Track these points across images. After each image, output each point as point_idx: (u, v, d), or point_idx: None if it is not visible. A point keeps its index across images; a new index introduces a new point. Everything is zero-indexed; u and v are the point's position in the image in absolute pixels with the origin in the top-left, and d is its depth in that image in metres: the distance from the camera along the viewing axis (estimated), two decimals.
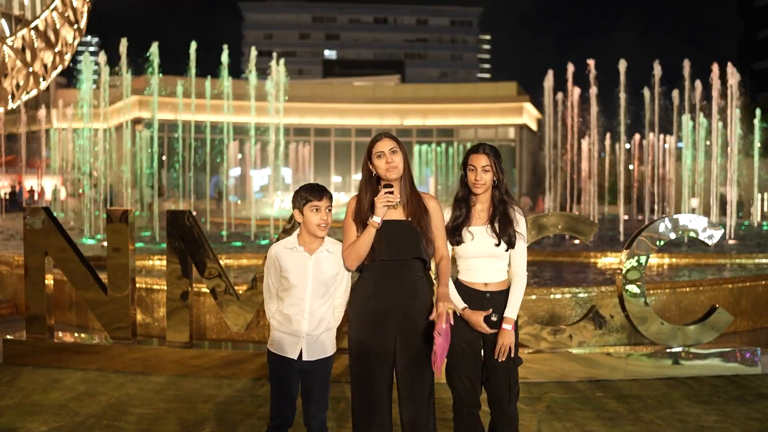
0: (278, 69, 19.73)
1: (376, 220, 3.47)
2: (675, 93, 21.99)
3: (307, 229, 3.59)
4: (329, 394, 3.72)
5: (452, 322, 3.48)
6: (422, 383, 3.56)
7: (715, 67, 18.31)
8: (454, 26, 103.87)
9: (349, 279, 3.74)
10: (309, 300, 3.59)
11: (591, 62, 19.67)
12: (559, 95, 23.26)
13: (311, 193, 3.56)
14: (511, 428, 3.73)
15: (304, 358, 3.61)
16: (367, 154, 3.58)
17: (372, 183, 3.58)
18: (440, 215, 3.67)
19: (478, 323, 3.61)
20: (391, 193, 3.46)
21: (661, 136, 25.90)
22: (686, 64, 18.90)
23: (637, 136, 31.96)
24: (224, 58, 19.74)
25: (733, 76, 18.54)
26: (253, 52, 19.73)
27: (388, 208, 3.49)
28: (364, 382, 3.56)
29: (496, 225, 3.69)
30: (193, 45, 19.08)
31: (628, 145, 33.21)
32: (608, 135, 30.49)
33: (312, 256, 3.61)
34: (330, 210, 3.60)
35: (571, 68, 20.78)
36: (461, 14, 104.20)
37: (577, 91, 22.15)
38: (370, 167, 3.58)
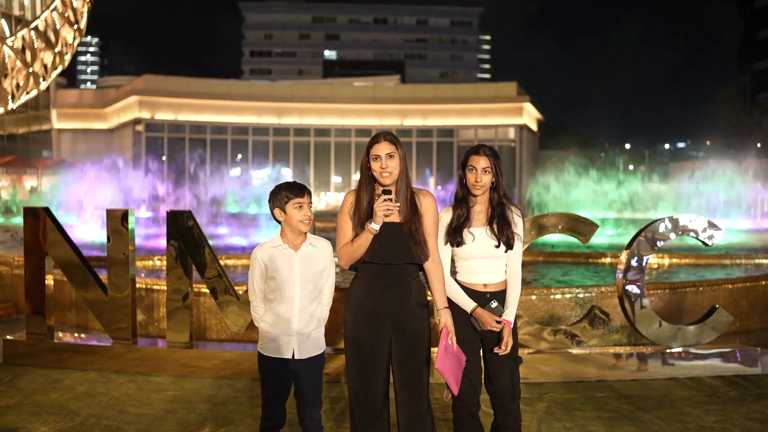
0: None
1: (375, 227, 3.42)
2: None
3: (291, 225, 3.66)
4: (327, 394, 3.73)
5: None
6: (419, 383, 3.54)
7: None
8: (454, 26, 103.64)
9: (334, 275, 3.81)
10: (298, 297, 3.64)
11: None
12: None
13: (292, 191, 3.65)
14: (515, 426, 3.75)
15: (296, 357, 3.64)
16: (366, 152, 3.55)
17: (370, 182, 3.56)
18: (433, 214, 3.58)
19: (489, 323, 3.62)
20: (390, 200, 3.39)
21: None
22: None
23: None
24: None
25: None
26: None
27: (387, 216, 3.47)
28: (361, 382, 3.54)
29: (495, 226, 3.70)
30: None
31: None
32: None
33: (297, 252, 3.66)
34: (310, 205, 3.71)
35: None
36: (461, 14, 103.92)
37: None
38: (368, 166, 3.55)
